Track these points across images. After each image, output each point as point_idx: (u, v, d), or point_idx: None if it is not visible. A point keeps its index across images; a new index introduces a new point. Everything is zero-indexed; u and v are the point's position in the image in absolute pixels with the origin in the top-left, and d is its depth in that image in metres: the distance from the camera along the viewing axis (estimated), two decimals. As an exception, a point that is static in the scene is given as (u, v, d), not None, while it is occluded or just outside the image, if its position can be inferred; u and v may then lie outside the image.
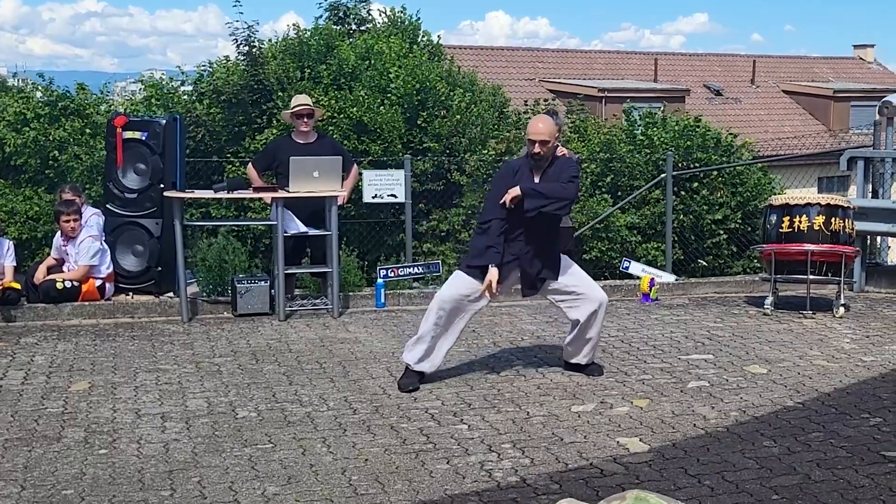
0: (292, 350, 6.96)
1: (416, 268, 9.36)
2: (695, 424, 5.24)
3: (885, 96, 10.64)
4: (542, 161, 5.96)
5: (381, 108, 13.05)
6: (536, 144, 5.90)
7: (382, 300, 8.56)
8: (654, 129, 13.68)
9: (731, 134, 13.73)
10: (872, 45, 36.20)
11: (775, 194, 12.87)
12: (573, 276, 6.12)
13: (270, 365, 6.52)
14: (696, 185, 12.47)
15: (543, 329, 7.66)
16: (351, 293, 8.70)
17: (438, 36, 17.79)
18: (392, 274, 9.01)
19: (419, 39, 17.18)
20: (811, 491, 4.27)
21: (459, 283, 5.96)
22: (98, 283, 8.24)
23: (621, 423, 5.27)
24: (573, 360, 6.27)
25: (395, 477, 4.49)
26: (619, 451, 4.83)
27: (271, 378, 6.19)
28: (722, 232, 12.52)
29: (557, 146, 6.14)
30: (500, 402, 5.64)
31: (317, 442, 4.97)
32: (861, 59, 35.54)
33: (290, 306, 8.19)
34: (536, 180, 5.96)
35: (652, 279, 9.16)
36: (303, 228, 8.17)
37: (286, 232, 8.00)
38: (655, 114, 14.71)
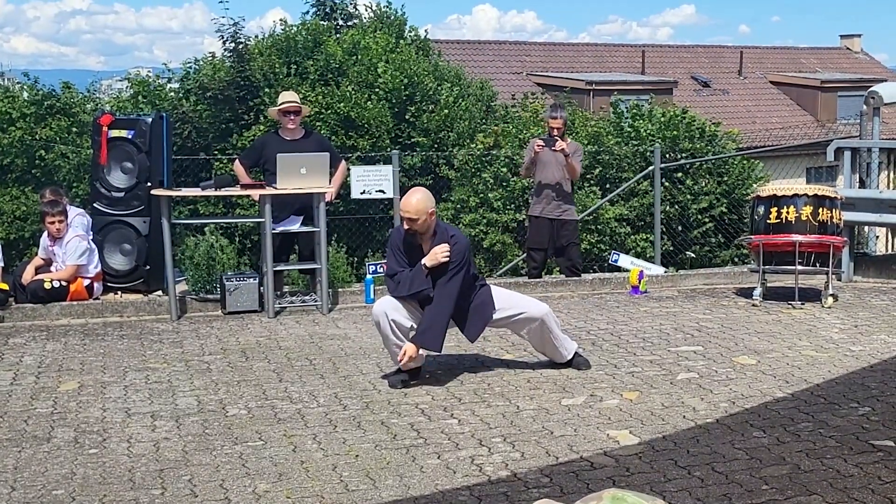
0: (282, 347, 6.95)
1: (405, 263, 9.34)
2: (684, 416, 5.26)
3: (871, 86, 10.67)
4: (421, 235, 5.82)
5: (369, 103, 13.03)
6: (405, 222, 5.78)
7: (372, 296, 8.54)
8: (641, 120, 13.70)
9: (713, 123, 13.76)
10: (859, 35, 36.29)
11: (759, 181, 12.91)
12: (506, 301, 6.08)
13: (260, 362, 6.51)
14: (679, 174, 12.50)
15: (533, 323, 7.66)
16: (340, 289, 8.69)
17: (426, 31, 17.79)
18: (381, 269, 8.99)
19: (406, 34, 17.16)
20: (801, 481, 4.29)
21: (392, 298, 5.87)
22: (86, 282, 8.22)
23: (611, 416, 5.27)
24: (556, 361, 6.28)
25: (385, 472, 4.49)
26: (610, 444, 4.83)
27: (261, 375, 6.18)
28: (708, 220, 12.55)
29: (433, 221, 5.88)
30: (490, 397, 5.65)
31: (307, 438, 4.97)
32: (848, 49, 35.63)
33: (279, 303, 8.18)
34: (425, 249, 5.81)
35: (641, 271, 9.18)
36: (293, 227, 8.16)
37: (275, 229, 7.99)
38: (643, 106, 14.73)
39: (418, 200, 5.76)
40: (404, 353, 5.77)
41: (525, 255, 9.96)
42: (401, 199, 6.03)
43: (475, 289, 6.06)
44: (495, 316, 6.05)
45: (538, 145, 8.63)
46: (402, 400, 5.61)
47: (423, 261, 5.80)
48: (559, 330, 6.21)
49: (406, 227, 5.80)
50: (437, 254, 5.77)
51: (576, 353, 6.29)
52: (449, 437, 4.96)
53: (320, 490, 4.29)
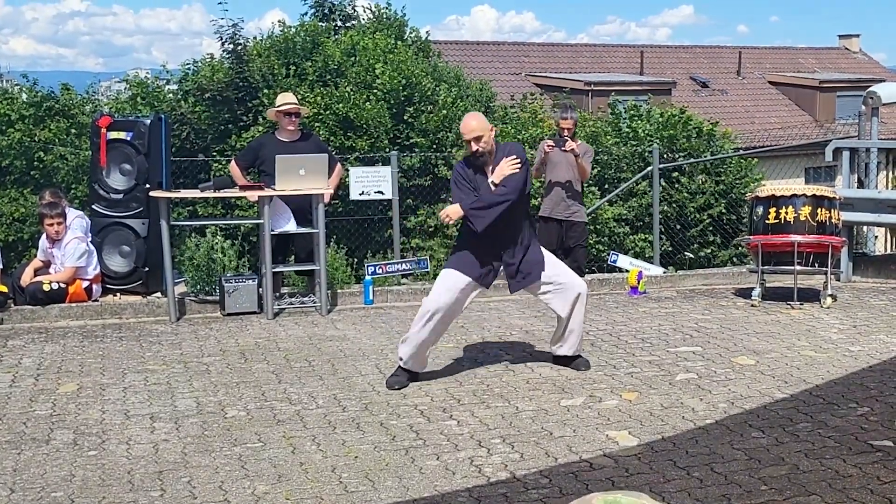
0: (281, 348, 6.95)
1: (404, 264, 9.36)
2: (683, 417, 5.26)
3: (870, 86, 10.68)
4: (484, 157, 5.84)
5: (367, 103, 13.03)
6: (472, 143, 5.80)
7: (371, 297, 8.56)
8: (639, 121, 13.72)
9: (710, 123, 13.76)
10: (858, 35, 36.31)
11: (756, 180, 12.91)
12: (554, 266, 6.10)
13: (259, 364, 6.52)
14: (675, 173, 12.50)
15: (532, 324, 7.66)
16: (339, 290, 8.69)
17: (427, 32, 17.79)
18: (380, 271, 9.01)
19: (406, 35, 17.17)
20: (800, 481, 4.29)
21: (449, 284, 5.89)
22: (85, 284, 8.21)
23: (610, 417, 5.28)
24: (560, 353, 6.27)
25: (384, 474, 4.49)
26: (609, 445, 4.84)
27: (260, 377, 6.18)
28: (706, 218, 12.55)
29: (494, 139, 5.95)
30: (490, 398, 5.65)
31: (306, 440, 4.97)
32: (846, 49, 35.64)
33: (278, 304, 8.18)
34: (489, 176, 5.84)
35: (640, 272, 9.18)
36: (293, 224, 8.15)
37: (273, 230, 7.99)
38: (641, 107, 14.75)
39: (479, 119, 5.86)
40: (447, 213, 5.83)
41: None
42: (461, 125, 5.98)
43: (532, 232, 6.07)
44: (543, 277, 6.01)
45: (548, 145, 8.61)
46: (401, 401, 5.61)
47: (490, 179, 5.80)
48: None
49: (473, 148, 5.80)
50: (505, 168, 5.78)
51: (580, 355, 6.31)
52: (448, 439, 4.96)
53: (319, 491, 4.29)
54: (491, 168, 5.86)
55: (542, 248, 6.17)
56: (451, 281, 5.88)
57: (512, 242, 5.93)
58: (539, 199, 9.38)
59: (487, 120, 5.97)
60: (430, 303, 5.85)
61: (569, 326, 6.13)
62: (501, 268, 5.99)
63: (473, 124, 5.81)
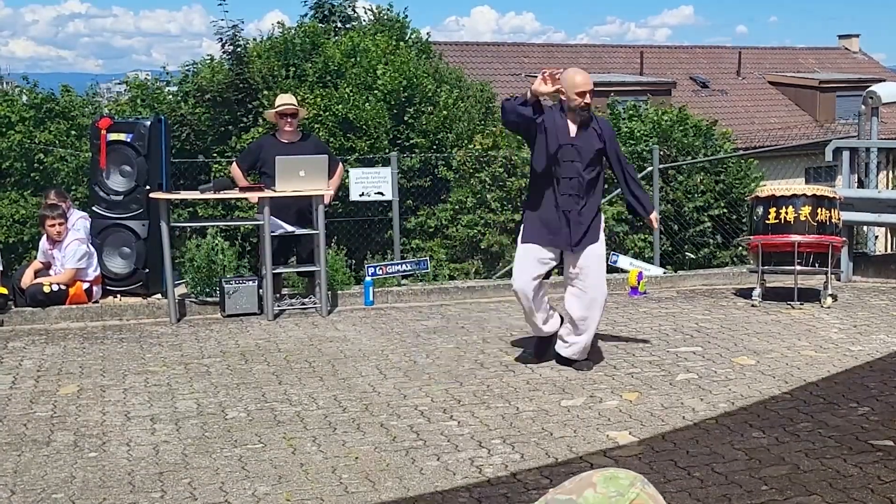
0: (281, 350, 6.95)
1: (404, 265, 9.35)
2: (684, 417, 5.26)
3: (870, 86, 10.67)
4: (587, 113, 6.02)
5: (367, 104, 13.03)
6: (588, 95, 5.95)
7: (371, 298, 8.55)
8: (637, 121, 13.72)
9: (707, 122, 13.74)
10: (857, 35, 36.30)
11: (756, 179, 12.90)
12: (595, 258, 6.11)
13: (259, 365, 6.51)
14: (673, 172, 12.48)
15: (532, 324, 7.66)
16: (339, 291, 8.69)
17: (428, 33, 17.81)
18: (380, 272, 9.00)
19: (407, 37, 17.18)
20: (800, 481, 4.29)
21: (519, 258, 6.13)
22: (85, 286, 8.21)
23: (611, 417, 5.28)
24: (564, 353, 6.27)
25: (385, 474, 4.49)
26: (609, 445, 4.84)
27: (260, 378, 6.18)
28: (706, 219, 12.54)
29: None
30: (490, 398, 5.65)
31: (307, 441, 4.97)
32: (846, 49, 35.63)
33: (278, 306, 8.17)
34: (572, 134, 5.99)
35: (640, 272, 9.18)
36: (289, 228, 8.16)
37: (273, 232, 7.99)
38: (640, 107, 14.75)
39: (585, 74, 6.02)
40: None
41: None
42: (576, 78, 6.01)
43: (598, 198, 6.20)
44: (590, 249, 6.04)
45: None
46: (401, 402, 5.61)
47: (531, 88, 5.89)
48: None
49: (588, 101, 5.96)
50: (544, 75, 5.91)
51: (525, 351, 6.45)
52: (448, 439, 4.96)
53: (320, 492, 4.29)
54: (577, 129, 5.99)
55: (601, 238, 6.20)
56: (519, 255, 6.15)
57: (574, 205, 6.01)
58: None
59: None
60: (513, 284, 6.17)
61: (580, 328, 6.15)
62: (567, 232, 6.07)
63: (587, 79, 5.98)
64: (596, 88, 6.38)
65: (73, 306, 8.05)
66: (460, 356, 6.65)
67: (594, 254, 6.08)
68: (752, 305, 8.29)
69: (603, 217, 6.26)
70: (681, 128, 12.93)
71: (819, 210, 8.26)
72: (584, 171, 6.01)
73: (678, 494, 4.16)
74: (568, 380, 6.01)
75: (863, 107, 10.13)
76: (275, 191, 7.92)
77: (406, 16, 17.92)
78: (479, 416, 5.33)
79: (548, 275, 6.29)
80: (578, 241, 6.02)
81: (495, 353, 6.71)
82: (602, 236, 6.19)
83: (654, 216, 6.40)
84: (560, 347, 6.31)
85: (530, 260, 6.08)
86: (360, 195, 9.88)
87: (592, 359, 6.34)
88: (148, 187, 8.41)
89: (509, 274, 11.60)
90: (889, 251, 11.13)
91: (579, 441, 4.90)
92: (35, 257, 8.79)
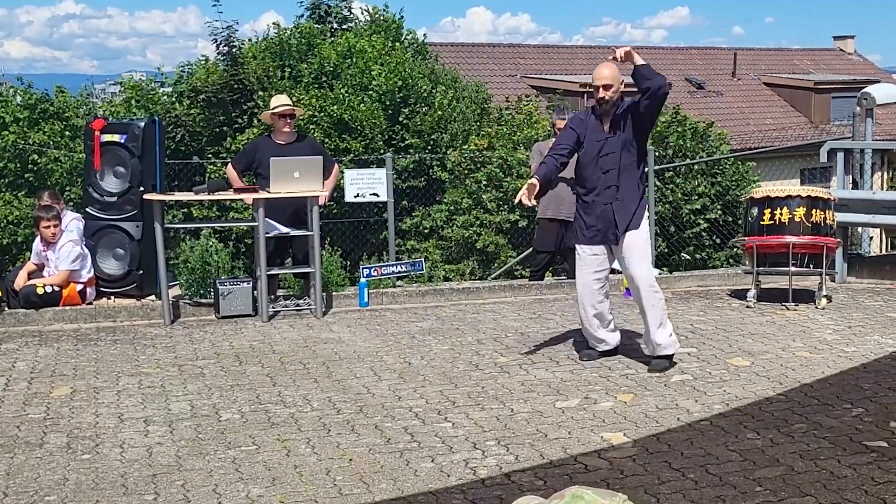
0: (275, 351, 6.94)
1: (399, 266, 9.34)
2: (678, 418, 5.25)
3: (864, 87, 10.68)
4: (607, 106, 6.08)
5: (362, 105, 13.02)
6: (600, 89, 6.05)
7: (366, 299, 8.54)
8: None
9: (704, 123, 13.72)
10: (852, 36, 36.37)
11: (753, 181, 12.89)
12: (632, 248, 6.13)
13: (254, 366, 6.50)
14: (669, 174, 12.48)
15: (527, 325, 7.66)
16: (334, 293, 8.67)
17: (424, 34, 17.81)
18: (375, 273, 8.99)
19: (403, 38, 17.18)
20: (794, 482, 4.29)
21: (582, 263, 6.26)
22: (79, 287, 8.19)
23: (605, 418, 5.27)
24: (646, 353, 6.39)
25: (379, 476, 4.48)
26: (603, 447, 4.83)
27: (255, 380, 6.17)
28: (702, 222, 12.54)
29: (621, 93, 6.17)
30: (484, 400, 5.64)
31: (301, 443, 4.96)
32: (841, 50, 35.69)
33: (273, 307, 8.16)
34: (605, 129, 6.09)
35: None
36: (283, 230, 8.15)
37: (268, 233, 7.98)
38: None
39: (612, 70, 6.12)
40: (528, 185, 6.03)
41: (527, 256, 9.93)
42: (595, 72, 6.15)
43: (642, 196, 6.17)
44: (630, 237, 6.10)
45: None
46: (395, 403, 5.60)
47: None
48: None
49: (600, 95, 6.07)
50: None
51: (591, 347, 6.49)
52: (443, 441, 4.95)
53: (314, 494, 4.28)
54: (609, 121, 6.09)
55: (644, 229, 6.21)
56: (577, 256, 6.32)
57: (612, 198, 6.08)
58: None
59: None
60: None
61: (645, 323, 6.27)
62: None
63: (606, 73, 6.09)
64: (591, 90, 6.42)
65: (67, 308, 8.04)
66: (455, 358, 6.64)
67: (631, 243, 6.14)
68: (747, 306, 8.29)
69: (644, 204, 6.22)
70: (678, 129, 12.92)
71: (814, 211, 8.26)
72: (622, 156, 6.09)
73: (672, 496, 4.16)
74: (562, 381, 6.01)
75: (857, 108, 10.14)
76: (269, 192, 7.91)
77: (402, 17, 17.92)
78: (474, 417, 5.32)
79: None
80: (625, 230, 6.11)
81: (490, 355, 6.70)
82: (644, 224, 6.20)
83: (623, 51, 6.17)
84: (643, 348, 6.46)
85: (585, 260, 6.27)
86: (356, 196, 9.86)
87: (662, 363, 6.28)
88: (142, 188, 8.39)
89: (505, 275, 11.65)
90: (884, 252, 11.13)
91: (574, 442, 4.89)
92: (29, 259, 8.76)
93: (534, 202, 6.13)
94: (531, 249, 9.54)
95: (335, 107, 12.95)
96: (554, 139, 8.71)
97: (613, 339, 6.51)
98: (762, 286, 8.65)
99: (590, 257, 6.25)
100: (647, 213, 6.27)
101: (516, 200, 6.14)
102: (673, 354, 6.31)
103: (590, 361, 6.39)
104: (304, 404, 5.62)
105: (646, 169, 6.30)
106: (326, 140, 12.54)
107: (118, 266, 8.51)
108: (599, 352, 6.48)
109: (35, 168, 11.74)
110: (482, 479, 4.42)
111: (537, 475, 4.45)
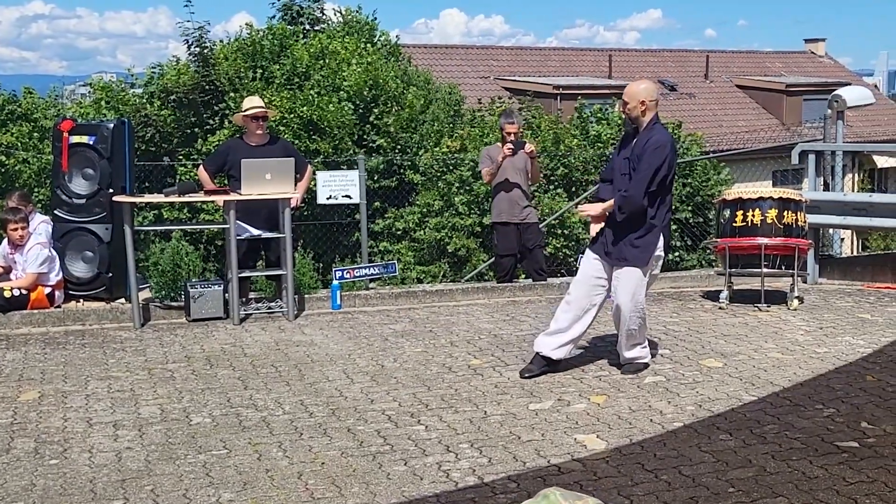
0: (247, 354, 6.88)
1: (372, 269, 9.31)
2: (651, 420, 5.25)
3: (835, 90, 10.76)
4: (630, 122, 6.13)
5: (330, 105, 12.96)
6: (624, 105, 6.10)
7: (338, 302, 8.49)
8: (603, 124, 13.76)
9: (674, 124, 13.78)
10: (823, 39, 36.68)
11: (724, 182, 12.96)
12: (631, 283, 6.03)
13: (225, 370, 6.44)
14: None
15: (500, 328, 7.64)
16: (307, 295, 8.62)
17: (397, 36, 17.79)
18: (348, 275, 8.95)
19: (376, 39, 17.14)
20: (767, 483, 4.29)
21: (583, 262, 6.27)
22: (47, 290, 8.10)
23: (579, 420, 5.26)
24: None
25: (352, 480, 4.44)
26: (577, 449, 4.82)
27: (226, 383, 6.11)
28: (672, 223, 12.58)
29: (647, 113, 6.08)
30: (458, 402, 5.61)
31: (272, 446, 4.91)
32: (813, 53, 36.00)
33: (244, 310, 8.10)
34: (629, 148, 6.06)
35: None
36: (254, 232, 8.09)
37: (239, 235, 7.91)
38: (607, 110, 14.81)
39: (633, 86, 6.15)
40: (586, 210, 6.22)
41: (493, 261, 9.93)
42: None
43: (655, 223, 6.01)
44: (630, 272, 6.00)
45: (508, 149, 8.60)
46: (368, 406, 5.57)
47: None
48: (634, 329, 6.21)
49: (618, 108, 6.08)
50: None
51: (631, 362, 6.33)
52: (416, 444, 4.92)
53: (285, 499, 4.24)
54: (635, 142, 6.05)
55: (639, 271, 6.05)
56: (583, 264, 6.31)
57: (615, 217, 6.01)
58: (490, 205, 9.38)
59: (649, 92, 6.09)
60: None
61: (619, 338, 6.25)
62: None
63: (626, 88, 6.15)
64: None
65: (35, 311, 7.93)
66: (428, 360, 6.61)
67: (626, 277, 6.02)
68: (720, 308, 8.32)
69: (654, 236, 6.00)
70: None
71: (785, 213, 8.30)
72: (629, 179, 6.01)
73: (646, 497, 4.15)
74: (536, 383, 5.99)
75: (829, 110, 10.22)
76: (240, 194, 7.85)
77: (375, 18, 17.88)
78: (447, 420, 5.30)
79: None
80: (620, 258, 6.02)
81: (463, 357, 6.68)
82: (646, 262, 6.01)
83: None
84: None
85: (586, 258, 6.25)
86: (328, 198, 9.82)
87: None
88: (111, 190, 8.30)
89: (476, 277, 11.63)
90: (855, 254, 11.22)
91: (547, 445, 4.88)
92: (-4, 262, 8.64)
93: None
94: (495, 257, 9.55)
95: (305, 108, 12.88)
96: (502, 144, 8.75)
97: (560, 353, 6.17)
98: (734, 287, 8.69)
99: (591, 259, 6.16)
100: (656, 251, 6.02)
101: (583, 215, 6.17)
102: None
103: (529, 374, 6.13)
104: (275, 408, 5.57)
105: (664, 207, 6.01)
106: (297, 141, 12.48)
107: (87, 269, 8.41)
108: (542, 357, 6.17)
109: (3, 170, 11.61)
110: (455, 483, 4.40)
111: (511, 478, 4.43)
